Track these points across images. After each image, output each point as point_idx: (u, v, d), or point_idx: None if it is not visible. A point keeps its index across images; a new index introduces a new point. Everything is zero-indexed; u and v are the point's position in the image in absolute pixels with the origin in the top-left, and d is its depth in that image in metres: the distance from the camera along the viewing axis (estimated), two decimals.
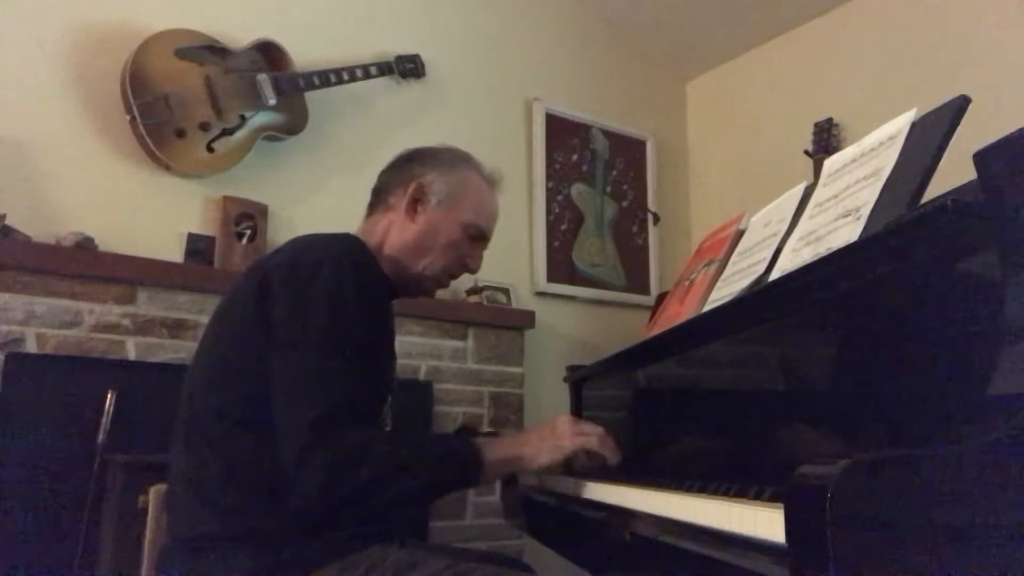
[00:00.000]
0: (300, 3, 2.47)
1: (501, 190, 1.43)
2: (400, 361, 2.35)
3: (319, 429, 1.00)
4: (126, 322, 1.94)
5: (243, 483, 1.07)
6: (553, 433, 1.18)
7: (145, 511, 1.26)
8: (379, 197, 1.35)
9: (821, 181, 1.14)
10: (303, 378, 1.04)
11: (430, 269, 1.31)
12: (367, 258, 1.18)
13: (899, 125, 1.01)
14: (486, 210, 1.36)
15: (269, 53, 2.30)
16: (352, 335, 1.09)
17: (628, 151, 3.20)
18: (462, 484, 1.17)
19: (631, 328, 2.77)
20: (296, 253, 1.15)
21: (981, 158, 0.70)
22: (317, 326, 1.06)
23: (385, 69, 2.53)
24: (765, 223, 1.32)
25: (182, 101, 2.10)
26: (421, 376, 2.37)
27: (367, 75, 2.47)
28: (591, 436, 1.19)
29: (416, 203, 1.30)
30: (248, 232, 2.20)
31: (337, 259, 1.12)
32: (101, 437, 1.81)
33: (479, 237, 1.35)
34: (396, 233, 1.30)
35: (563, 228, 2.95)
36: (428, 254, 1.30)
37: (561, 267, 2.90)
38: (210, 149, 2.14)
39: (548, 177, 2.93)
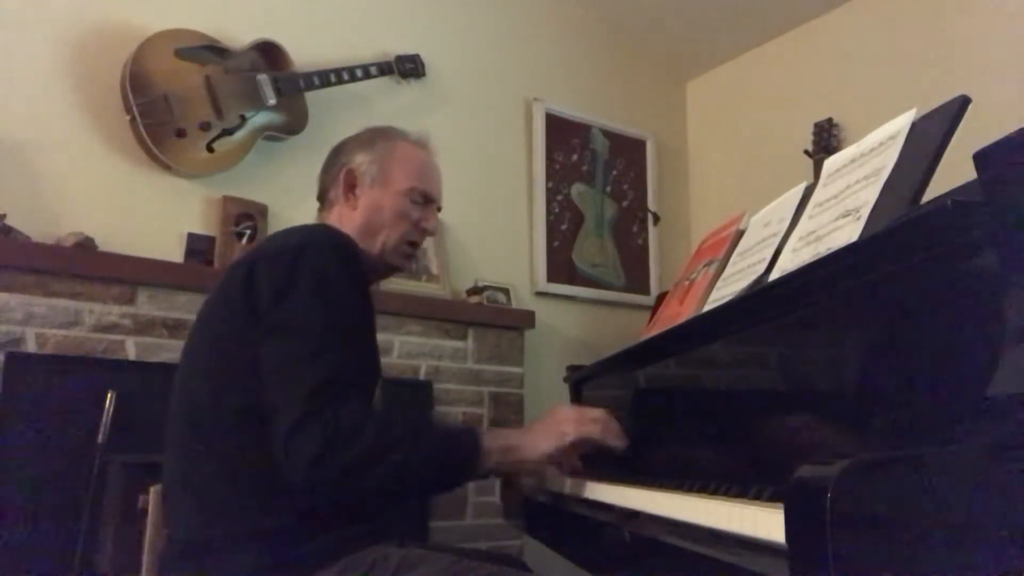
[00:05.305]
0: (300, 3, 2.47)
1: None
2: (400, 361, 2.39)
3: (315, 401, 1.00)
4: (126, 322, 1.94)
5: (242, 484, 1.07)
6: (555, 420, 1.19)
7: (145, 511, 1.26)
8: (323, 199, 1.39)
9: (821, 181, 1.14)
10: (296, 357, 1.05)
11: (387, 244, 1.33)
12: (347, 241, 1.19)
13: (899, 125, 1.01)
14: (421, 172, 1.37)
15: (269, 53, 2.30)
16: (340, 313, 1.10)
17: (628, 151, 3.20)
18: (460, 470, 1.13)
19: (631, 328, 2.76)
20: (279, 243, 1.17)
21: (981, 158, 0.70)
22: (306, 306, 1.07)
23: (385, 69, 2.53)
24: (765, 223, 1.32)
25: (182, 101, 2.10)
26: (421, 376, 2.37)
27: (367, 75, 2.47)
28: (594, 425, 1.20)
29: (351, 188, 1.33)
30: (248, 232, 2.20)
31: (319, 242, 1.14)
32: (101, 437, 1.80)
33: (426, 200, 1.37)
34: (345, 223, 1.31)
35: (563, 228, 2.94)
36: (380, 231, 1.32)
37: (561, 267, 2.90)
38: (210, 149, 2.14)
39: (548, 177, 2.93)
